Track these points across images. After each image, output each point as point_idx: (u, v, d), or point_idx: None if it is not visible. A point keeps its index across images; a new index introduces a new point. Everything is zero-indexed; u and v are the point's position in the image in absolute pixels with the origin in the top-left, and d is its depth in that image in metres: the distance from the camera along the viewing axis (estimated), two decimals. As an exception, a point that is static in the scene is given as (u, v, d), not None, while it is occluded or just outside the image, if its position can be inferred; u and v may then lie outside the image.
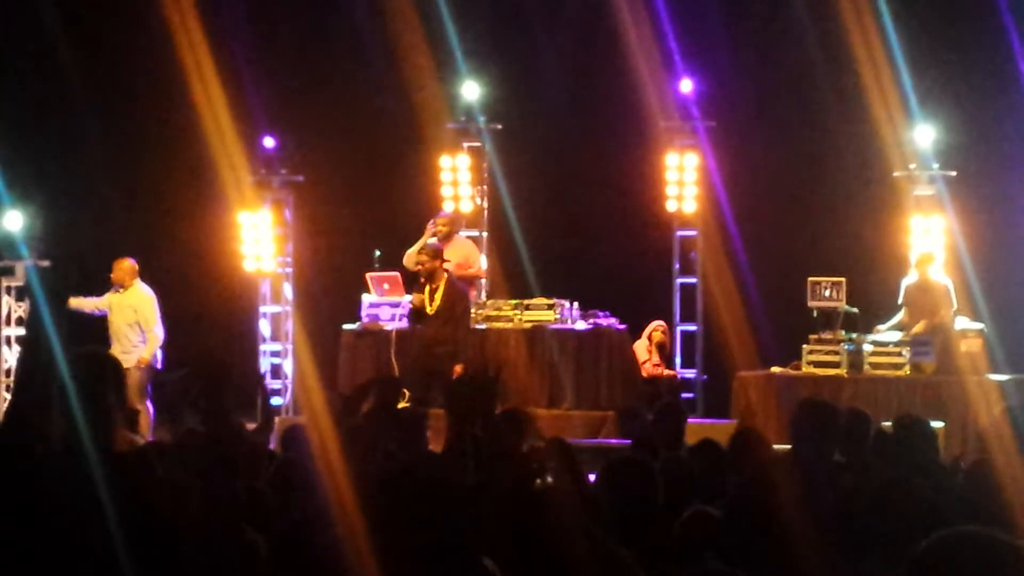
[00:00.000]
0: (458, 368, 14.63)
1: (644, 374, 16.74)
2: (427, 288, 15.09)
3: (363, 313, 16.60)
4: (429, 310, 15.01)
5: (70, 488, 5.23)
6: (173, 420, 15.01)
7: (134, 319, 15.76)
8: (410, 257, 15.95)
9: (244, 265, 18.59)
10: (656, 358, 16.98)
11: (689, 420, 16.35)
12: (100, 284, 16.23)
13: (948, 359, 15.59)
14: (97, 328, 15.62)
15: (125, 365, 15.03)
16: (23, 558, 5.04)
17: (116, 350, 15.10)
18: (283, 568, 5.58)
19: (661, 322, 17.15)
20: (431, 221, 16.17)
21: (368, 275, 16.64)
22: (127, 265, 15.90)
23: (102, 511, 5.13)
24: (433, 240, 15.88)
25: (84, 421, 5.34)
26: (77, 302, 15.84)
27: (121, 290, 15.81)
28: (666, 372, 17.16)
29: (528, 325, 16.28)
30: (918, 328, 15.86)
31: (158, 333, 15.92)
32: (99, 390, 5.46)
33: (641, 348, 16.85)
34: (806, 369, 15.84)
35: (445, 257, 15.87)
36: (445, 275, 15.30)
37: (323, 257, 18.68)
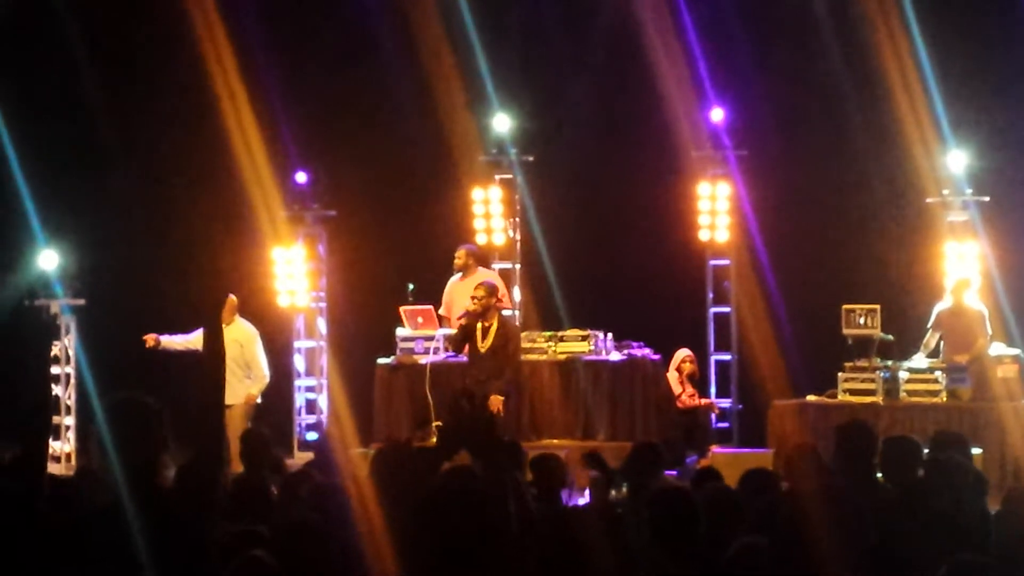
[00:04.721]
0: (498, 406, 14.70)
1: (680, 406, 16.63)
2: (480, 325, 15.02)
3: (397, 347, 16.61)
4: (481, 348, 14.96)
5: (110, 533, 5.26)
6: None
7: (239, 354, 15.40)
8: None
9: (278, 300, 18.63)
10: (690, 388, 16.89)
11: (725, 450, 16.50)
12: (134, 322, 16.27)
13: (984, 385, 15.53)
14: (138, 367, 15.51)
15: (231, 401, 15.06)
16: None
17: None
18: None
19: (687, 351, 16.96)
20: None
21: (402, 309, 16.64)
22: (228, 301, 15.67)
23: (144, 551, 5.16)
24: (491, 280, 15.73)
25: (120, 466, 5.35)
26: (167, 341, 15.67)
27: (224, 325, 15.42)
28: (703, 401, 17.06)
29: (562, 357, 16.26)
30: (959, 359, 15.77)
31: (266, 371, 15.81)
32: (135, 436, 5.46)
33: (672, 381, 16.75)
34: (842, 397, 15.79)
35: (501, 296, 15.84)
36: (498, 313, 15.26)
37: (357, 291, 18.69)
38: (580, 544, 5.75)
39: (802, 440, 13.20)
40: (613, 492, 8.16)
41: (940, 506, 6.97)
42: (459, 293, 16.53)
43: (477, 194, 18.39)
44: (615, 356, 16.37)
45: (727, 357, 18.34)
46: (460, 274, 16.58)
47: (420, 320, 16.59)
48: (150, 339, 15.66)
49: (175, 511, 5.35)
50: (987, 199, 17.38)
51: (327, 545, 6.37)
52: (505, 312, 16.74)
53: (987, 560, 3.81)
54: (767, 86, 18.11)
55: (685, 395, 16.74)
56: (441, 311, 16.63)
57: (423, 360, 16.21)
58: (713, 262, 18.39)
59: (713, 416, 17.30)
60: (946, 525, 6.78)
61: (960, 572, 5.21)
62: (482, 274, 16.65)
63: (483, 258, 17.32)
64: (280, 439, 15.46)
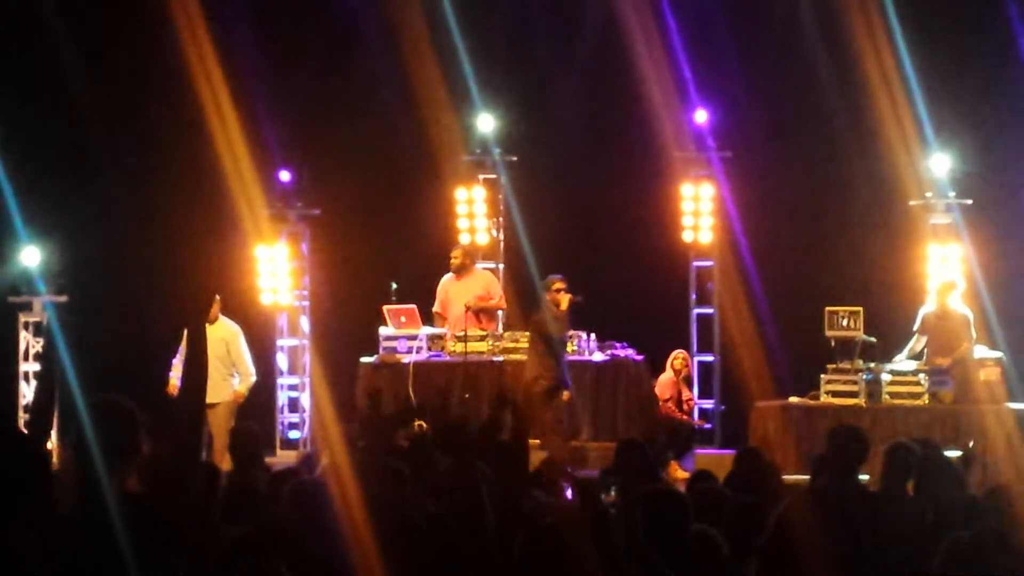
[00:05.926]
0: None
1: (667, 411, 16.57)
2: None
3: (380, 346, 16.61)
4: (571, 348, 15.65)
5: (83, 532, 5.24)
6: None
7: (224, 352, 15.35)
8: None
9: (261, 299, 18.60)
10: (687, 392, 16.85)
11: (706, 451, 16.50)
12: (117, 319, 16.22)
13: (967, 388, 15.56)
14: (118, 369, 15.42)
15: (215, 399, 14.94)
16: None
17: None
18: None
19: (679, 351, 17.00)
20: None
21: (385, 308, 16.65)
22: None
23: (117, 555, 5.14)
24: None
25: (100, 467, 5.34)
26: (176, 372, 15.50)
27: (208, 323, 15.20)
28: (685, 419, 16.87)
29: (546, 357, 16.27)
30: (942, 362, 15.79)
31: (252, 368, 15.73)
32: (110, 437, 5.45)
33: (667, 383, 16.69)
34: (824, 399, 15.82)
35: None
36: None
37: (340, 290, 18.68)
38: (567, 544, 5.74)
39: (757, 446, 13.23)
40: (603, 495, 8.14)
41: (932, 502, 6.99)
42: (455, 291, 16.59)
43: (461, 194, 18.39)
44: (598, 356, 16.39)
45: (710, 358, 18.37)
46: (455, 273, 16.64)
47: (403, 319, 16.60)
48: (171, 388, 15.37)
49: (146, 514, 5.34)
50: (970, 202, 17.43)
51: (307, 542, 6.37)
52: (499, 312, 16.85)
53: (983, 538, 3.84)
54: (751, 88, 18.13)
55: (683, 399, 16.69)
56: (435, 308, 16.68)
57: (406, 359, 16.24)
58: (696, 263, 18.42)
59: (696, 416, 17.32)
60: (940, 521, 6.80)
61: (959, 549, 5.23)
62: (478, 272, 16.75)
63: (475, 257, 17.40)
64: (262, 437, 15.42)
